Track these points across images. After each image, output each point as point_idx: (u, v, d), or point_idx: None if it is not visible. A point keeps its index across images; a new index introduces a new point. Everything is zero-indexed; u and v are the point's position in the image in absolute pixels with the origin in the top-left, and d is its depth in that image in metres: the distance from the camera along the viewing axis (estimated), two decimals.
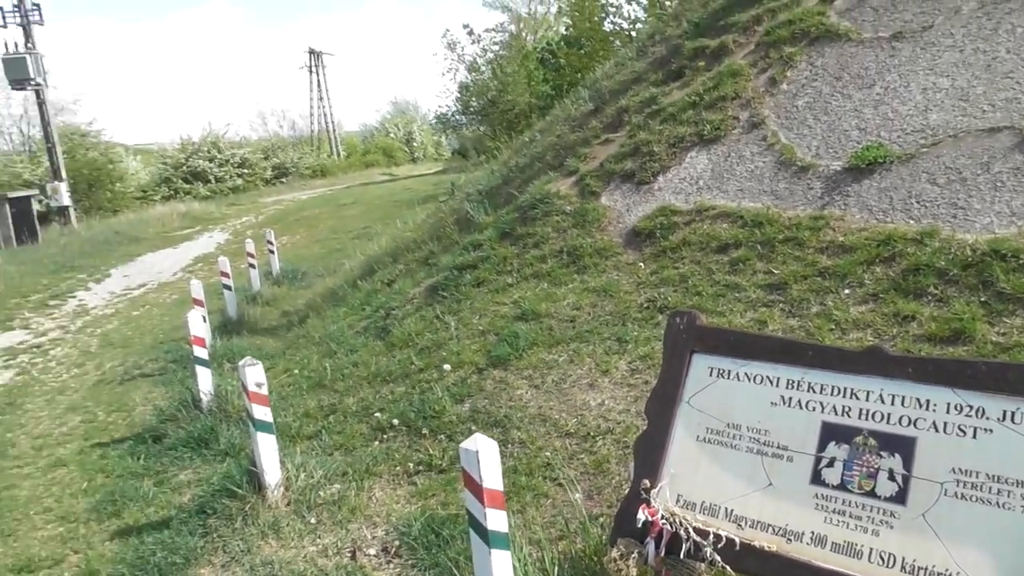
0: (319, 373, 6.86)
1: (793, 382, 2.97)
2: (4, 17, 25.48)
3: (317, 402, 6.28)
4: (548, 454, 4.48)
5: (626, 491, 3.37)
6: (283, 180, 49.26)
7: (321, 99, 65.16)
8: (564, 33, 32.76)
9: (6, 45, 25.46)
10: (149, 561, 4.45)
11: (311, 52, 65.12)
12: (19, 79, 25.88)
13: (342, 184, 41.93)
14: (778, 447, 2.94)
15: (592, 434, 4.53)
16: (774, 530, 2.87)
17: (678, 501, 3.09)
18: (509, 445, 4.65)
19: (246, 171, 45.75)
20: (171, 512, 5.08)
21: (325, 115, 65.66)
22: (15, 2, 25.55)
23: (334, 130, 66.80)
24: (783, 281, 5.16)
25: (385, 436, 5.33)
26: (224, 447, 5.89)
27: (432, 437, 5.10)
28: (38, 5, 26.02)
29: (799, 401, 2.94)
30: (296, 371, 7.26)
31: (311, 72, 64.73)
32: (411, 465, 4.88)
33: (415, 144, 68.28)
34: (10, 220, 22.83)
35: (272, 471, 4.69)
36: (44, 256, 20.27)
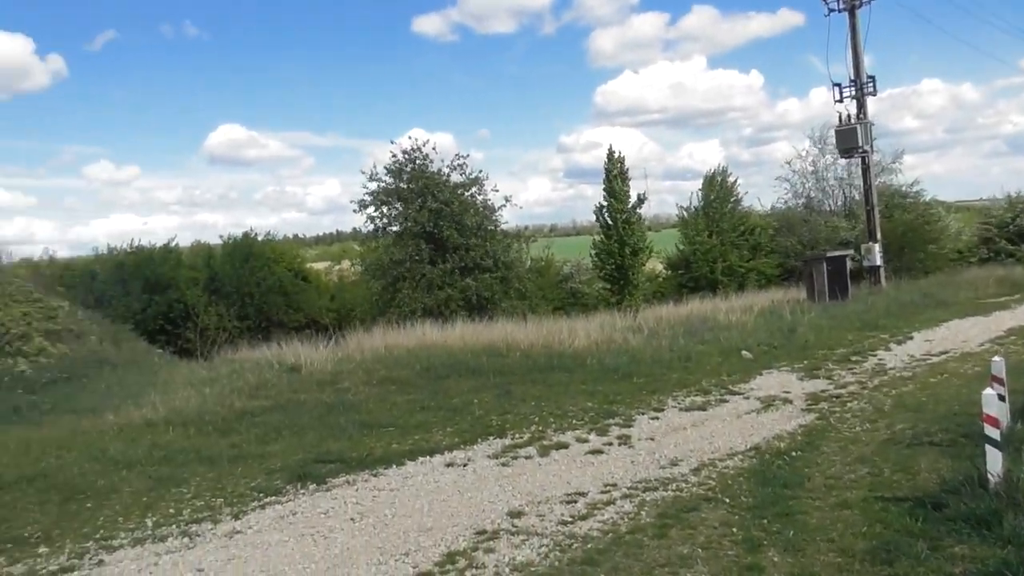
0: None
1: None
2: (841, 92, 28.25)
3: None
4: None
5: None
6: None
7: None
8: None
9: (840, 117, 28.28)
10: None
11: None
12: (848, 148, 28.54)
13: None
14: None
15: None
16: None
17: None
18: None
19: None
20: None
21: None
22: (852, 78, 28.17)
23: None
24: None
25: None
26: (1007, 534, 5.66)
27: None
28: (873, 78, 28.19)
29: None
30: None
31: None
32: None
33: None
34: (826, 277, 25.23)
35: None
36: (851, 313, 21.93)
